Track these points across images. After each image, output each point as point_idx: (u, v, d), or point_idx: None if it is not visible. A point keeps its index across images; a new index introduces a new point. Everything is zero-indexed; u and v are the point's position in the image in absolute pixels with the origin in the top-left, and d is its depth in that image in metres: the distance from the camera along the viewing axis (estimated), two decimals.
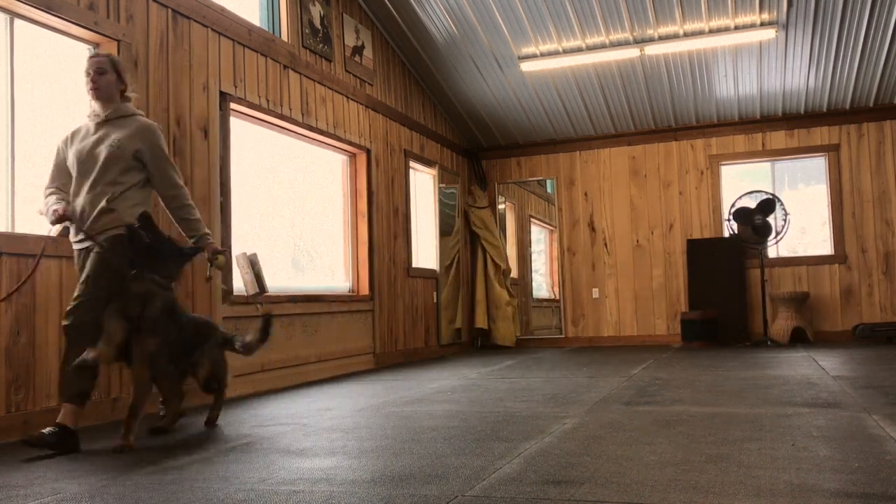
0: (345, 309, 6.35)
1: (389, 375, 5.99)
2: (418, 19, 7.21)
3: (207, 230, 3.61)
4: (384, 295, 7.02)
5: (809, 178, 8.64)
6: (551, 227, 9.65)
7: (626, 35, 7.29)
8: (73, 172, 3.40)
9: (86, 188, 3.35)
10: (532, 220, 10.28)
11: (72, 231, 3.42)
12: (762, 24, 6.99)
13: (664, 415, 3.52)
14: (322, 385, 5.45)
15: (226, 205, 5.03)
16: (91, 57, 3.52)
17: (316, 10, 6.25)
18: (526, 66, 7.69)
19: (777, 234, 8.04)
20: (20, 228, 3.77)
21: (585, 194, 9.13)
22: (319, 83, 6.22)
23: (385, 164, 7.23)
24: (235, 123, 5.33)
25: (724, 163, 8.71)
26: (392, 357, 7.09)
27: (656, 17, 7.02)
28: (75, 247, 3.43)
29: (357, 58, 6.87)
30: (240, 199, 5.35)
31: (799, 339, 8.05)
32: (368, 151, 6.92)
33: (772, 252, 8.49)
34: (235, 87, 5.19)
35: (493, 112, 8.71)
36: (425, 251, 8.17)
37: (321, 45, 6.30)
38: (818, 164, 8.51)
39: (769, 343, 7.84)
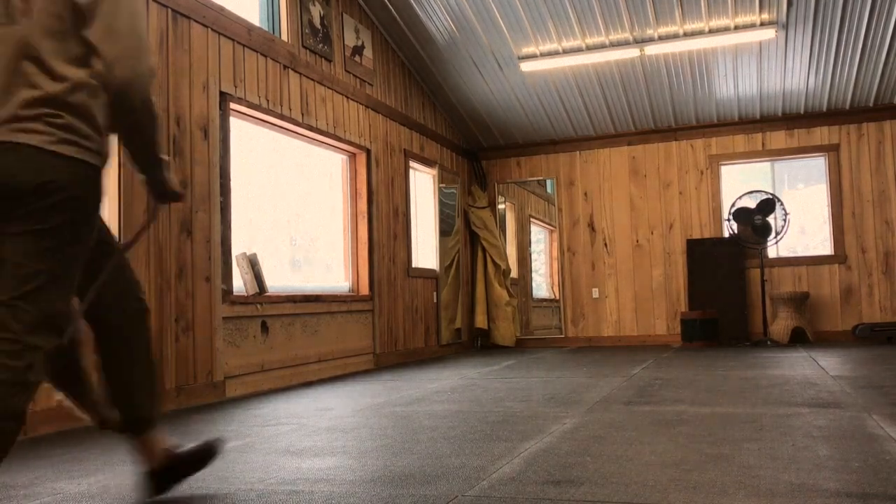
0: (345, 309, 6.35)
1: (389, 375, 5.99)
2: (418, 19, 7.21)
3: None
4: (384, 295, 7.02)
5: (809, 178, 8.64)
6: (551, 227, 9.65)
7: (626, 35, 7.29)
8: None
9: None
10: (532, 220, 10.28)
11: None
12: (762, 24, 6.99)
13: (664, 415, 3.52)
14: (322, 385, 5.45)
15: (226, 205, 5.03)
16: None
17: (316, 10, 6.25)
18: (526, 66, 7.68)
19: (777, 234, 8.04)
20: None
21: (585, 194, 9.13)
22: (319, 83, 6.22)
23: (385, 164, 7.23)
24: (235, 123, 5.33)
25: (724, 163, 8.71)
26: (392, 357, 7.09)
27: (656, 17, 7.02)
28: None
29: (357, 58, 6.87)
30: (240, 199, 5.35)
31: (799, 339, 8.05)
32: (368, 151, 6.92)
33: (772, 252, 8.49)
34: (235, 87, 5.19)
35: (493, 112, 8.71)
36: (425, 251, 8.17)
37: (321, 45, 6.30)
38: (818, 164, 8.51)
39: (769, 343, 7.84)
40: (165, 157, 2.10)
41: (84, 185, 1.88)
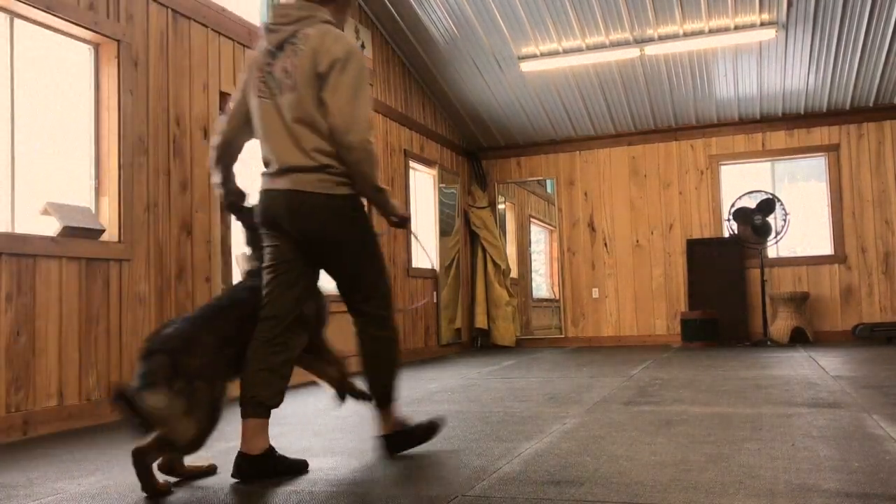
0: (344, 309, 6.33)
1: None
2: (418, 19, 7.21)
3: None
4: None
5: (809, 178, 8.65)
6: (551, 227, 9.65)
7: (626, 35, 7.28)
8: None
9: None
10: (532, 220, 10.28)
11: None
12: (762, 24, 6.99)
13: (664, 415, 3.52)
14: (322, 385, 5.44)
15: None
16: None
17: None
18: (526, 66, 7.68)
19: (777, 233, 8.04)
20: (20, 228, 3.77)
21: (585, 194, 9.13)
22: None
23: (385, 164, 7.23)
24: None
25: (723, 163, 8.71)
26: None
27: (656, 17, 7.02)
28: None
29: None
30: None
31: (799, 338, 8.05)
32: None
33: (771, 252, 8.49)
34: (235, 86, 5.18)
35: (493, 112, 8.71)
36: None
37: None
38: (818, 164, 8.51)
39: (769, 343, 7.84)
40: (386, 187, 2.71)
41: (358, 209, 2.67)
